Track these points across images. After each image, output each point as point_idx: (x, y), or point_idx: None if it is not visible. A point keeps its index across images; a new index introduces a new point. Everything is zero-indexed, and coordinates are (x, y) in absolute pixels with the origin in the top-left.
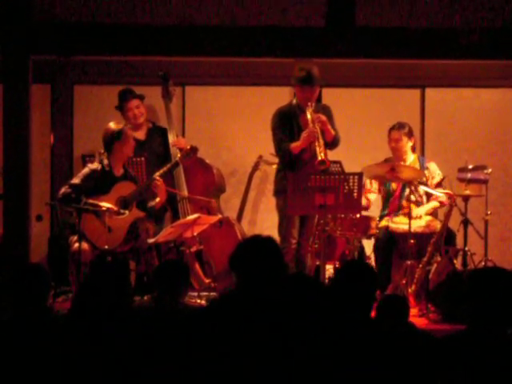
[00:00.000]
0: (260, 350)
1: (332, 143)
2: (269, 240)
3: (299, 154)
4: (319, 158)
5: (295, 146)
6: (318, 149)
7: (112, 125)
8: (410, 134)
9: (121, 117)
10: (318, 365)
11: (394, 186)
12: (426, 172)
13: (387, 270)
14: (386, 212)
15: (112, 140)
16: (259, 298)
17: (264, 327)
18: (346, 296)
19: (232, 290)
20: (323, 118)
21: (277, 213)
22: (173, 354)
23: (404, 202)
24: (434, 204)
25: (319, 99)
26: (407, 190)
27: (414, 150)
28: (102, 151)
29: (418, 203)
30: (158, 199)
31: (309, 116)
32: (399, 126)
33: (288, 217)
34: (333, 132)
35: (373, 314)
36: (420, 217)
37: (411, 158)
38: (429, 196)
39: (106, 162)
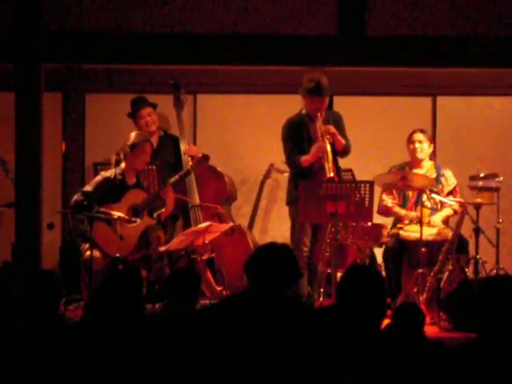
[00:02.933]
0: (267, 353)
1: (342, 152)
2: (285, 247)
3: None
4: (328, 176)
5: (305, 159)
6: (326, 165)
7: (132, 135)
8: (431, 140)
9: (133, 124)
10: (325, 372)
11: (410, 192)
12: (442, 179)
13: (398, 278)
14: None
15: (127, 149)
16: (270, 302)
17: (272, 330)
18: (353, 300)
19: (241, 292)
20: (332, 129)
21: (290, 221)
22: (184, 360)
23: (419, 208)
24: (447, 212)
25: (330, 106)
26: (424, 196)
27: (431, 157)
28: (121, 155)
29: (433, 210)
30: (163, 209)
31: (318, 129)
32: (422, 130)
33: (300, 225)
34: (343, 141)
35: (387, 321)
36: (437, 225)
37: (428, 165)
38: (442, 203)
39: (120, 169)
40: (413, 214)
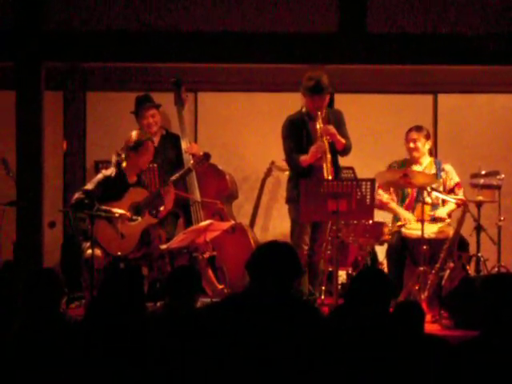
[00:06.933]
0: (269, 351)
1: (343, 152)
2: (286, 245)
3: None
4: (326, 178)
5: (304, 159)
6: (325, 166)
7: (134, 134)
8: (427, 136)
9: (134, 122)
10: (329, 369)
11: (409, 190)
12: (442, 174)
13: (400, 276)
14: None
15: (129, 149)
16: (272, 300)
17: (274, 328)
18: (362, 303)
19: (243, 291)
20: (332, 130)
21: (289, 219)
22: (185, 358)
23: (419, 205)
24: (451, 206)
25: (331, 104)
26: (424, 193)
27: (431, 153)
28: (122, 155)
29: (435, 206)
30: (162, 207)
31: (318, 128)
32: (417, 128)
33: (300, 223)
34: (343, 141)
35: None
36: (443, 219)
37: (427, 161)
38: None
39: (122, 166)
40: (409, 215)
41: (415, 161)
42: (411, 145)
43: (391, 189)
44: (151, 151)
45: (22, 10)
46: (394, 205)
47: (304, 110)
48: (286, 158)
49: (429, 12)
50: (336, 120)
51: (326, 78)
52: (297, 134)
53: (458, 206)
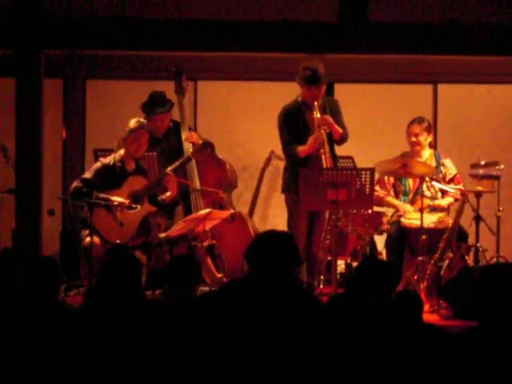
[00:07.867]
0: (267, 339)
1: (340, 141)
2: (284, 234)
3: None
4: (324, 167)
5: (302, 150)
6: (323, 157)
7: (131, 122)
8: (429, 129)
9: (133, 110)
10: (328, 358)
11: (410, 184)
12: (441, 168)
13: (399, 266)
14: None
15: (123, 136)
16: (270, 289)
17: (272, 317)
18: (364, 293)
19: (241, 279)
20: (329, 120)
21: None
22: (183, 346)
23: (418, 197)
24: (450, 199)
25: (331, 94)
26: (424, 186)
27: (431, 145)
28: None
29: (433, 199)
30: (168, 193)
31: (315, 118)
32: (419, 121)
33: (297, 213)
34: (340, 130)
35: None
36: (442, 207)
37: (427, 154)
38: (443, 192)
39: (119, 155)
40: (407, 206)
41: (416, 154)
42: (413, 139)
43: (387, 185)
44: (143, 141)
45: None
46: (390, 198)
47: (300, 99)
48: (283, 148)
49: (430, 1)
50: (332, 109)
51: (323, 67)
52: (293, 123)
53: (456, 200)
